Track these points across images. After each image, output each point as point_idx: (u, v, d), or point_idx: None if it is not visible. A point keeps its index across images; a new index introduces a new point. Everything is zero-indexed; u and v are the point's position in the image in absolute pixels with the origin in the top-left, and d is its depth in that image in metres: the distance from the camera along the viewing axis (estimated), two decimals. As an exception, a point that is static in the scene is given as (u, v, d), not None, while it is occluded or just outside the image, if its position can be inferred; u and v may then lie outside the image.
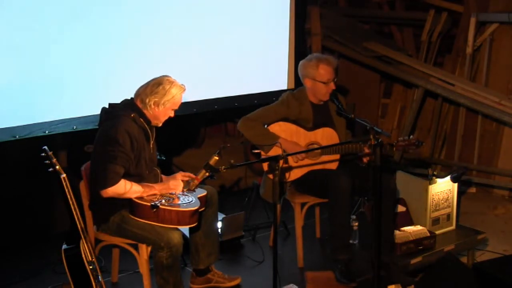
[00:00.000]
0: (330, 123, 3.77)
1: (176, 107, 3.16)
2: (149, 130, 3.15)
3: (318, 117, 3.76)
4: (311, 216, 4.20)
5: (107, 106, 3.14)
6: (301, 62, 3.77)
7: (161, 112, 3.11)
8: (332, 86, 3.66)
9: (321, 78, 3.64)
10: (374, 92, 6.40)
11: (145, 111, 3.11)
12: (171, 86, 3.08)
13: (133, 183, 3.00)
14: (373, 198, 2.98)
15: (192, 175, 3.22)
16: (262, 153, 3.72)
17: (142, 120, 3.10)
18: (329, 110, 3.80)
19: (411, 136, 3.51)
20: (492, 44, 5.52)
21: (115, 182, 2.93)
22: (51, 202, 4.21)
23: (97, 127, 3.16)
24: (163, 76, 3.13)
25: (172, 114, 3.17)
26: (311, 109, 3.76)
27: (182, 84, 3.15)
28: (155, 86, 3.08)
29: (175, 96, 3.10)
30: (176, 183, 3.14)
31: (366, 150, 3.45)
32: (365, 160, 3.51)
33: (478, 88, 5.33)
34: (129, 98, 3.16)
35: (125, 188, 2.96)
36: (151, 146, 3.19)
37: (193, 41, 4.46)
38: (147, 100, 3.07)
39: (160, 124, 3.20)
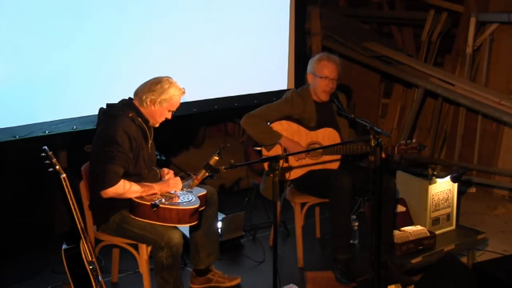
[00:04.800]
0: (333, 122, 3.77)
1: (173, 109, 3.15)
2: (147, 130, 3.14)
3: (322, 116, 3.76)
4: (311, 216, 4.19)
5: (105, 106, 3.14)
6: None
7: (156, 110, 3.09)
8: (330, 84, 3.66)
9: (320, 73, 3.66)
10: (374, 92, 6.39)
11: (141, 109, 3.09)
12: (170, 86, 3.08)
13: (132, 183, 2.99)
14: (373, 198, 2.98)
15: (171, 172, 3.27)
16: (264, 150, 3.72)
17: (140, 119, 3.10)
18: (332, 109, 3.80)
19: (413, 140, 3.52)
20: (492, 44, 5.51)
21: (115, 182, 2.93)
22: (51, 202, 4.21)
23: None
24: (164, 76, 3.12)
25: (169, 116, 3.15)
26: (315, 108, 3.76)
27: (182, 87, 3.14)
28: (154, 84, 3.08)
29: (173, 96, 3.08)
30: (175, 181, 3.14)
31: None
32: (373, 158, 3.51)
33: (478, 88, 5.32)
34: (127, 98, 3.16)
35: (125, 188, 2.95)
36: (150, 145, 3.19)
37: (193, 41, 4.46)
38: (144, 97, 3.06)
39: (157, 125, 3.18)
